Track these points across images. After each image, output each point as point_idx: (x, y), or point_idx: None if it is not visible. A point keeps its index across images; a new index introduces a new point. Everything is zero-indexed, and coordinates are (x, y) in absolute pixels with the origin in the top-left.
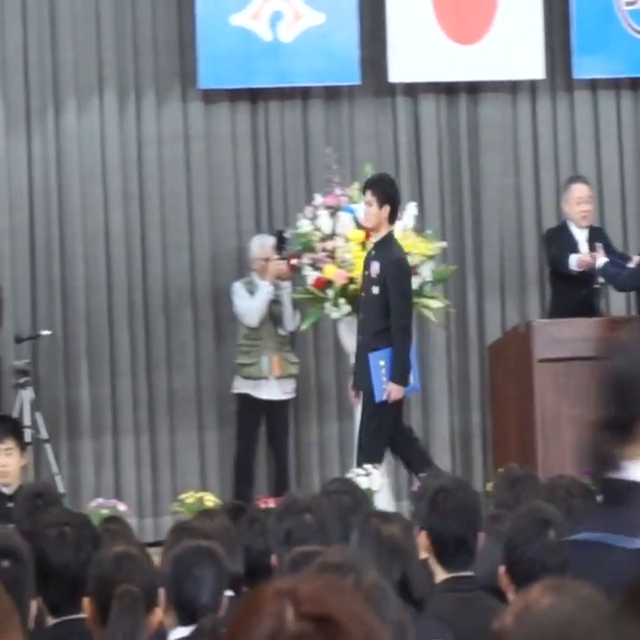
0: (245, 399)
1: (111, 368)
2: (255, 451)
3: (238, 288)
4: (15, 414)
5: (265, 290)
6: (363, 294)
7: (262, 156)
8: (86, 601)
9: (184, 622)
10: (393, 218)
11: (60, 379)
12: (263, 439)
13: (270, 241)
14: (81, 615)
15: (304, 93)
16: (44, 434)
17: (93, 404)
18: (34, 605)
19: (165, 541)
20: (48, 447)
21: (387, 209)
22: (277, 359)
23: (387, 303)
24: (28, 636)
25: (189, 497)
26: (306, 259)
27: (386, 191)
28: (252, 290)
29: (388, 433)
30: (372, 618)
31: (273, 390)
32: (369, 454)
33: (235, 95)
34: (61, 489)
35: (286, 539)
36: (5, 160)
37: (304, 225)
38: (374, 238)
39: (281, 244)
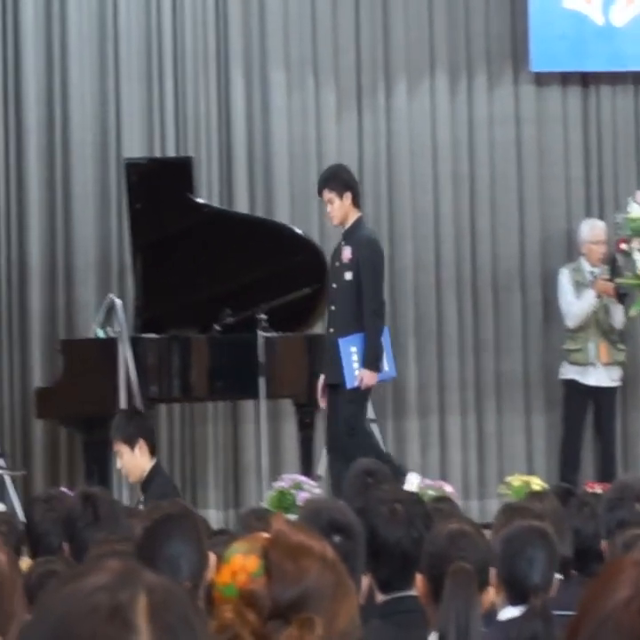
0: (572, 385)
1: (438, 347)
2: (582, 436)
3: (564, 281)
4: None
5: (589, 298)
6: (333, 285)
7: (593, 140)
8: (419, 578)
9: (514, 602)
10: (357, 202)
11: None
12: (590, 425)
13: (600, 225)
14: (411, 592)
15: (636, 78)
16: (371, 413)
17: (420, 384)
18: (365, 582)
19: (495, 522)
20: (375, 427)
21: (348, 196)
22: (605, 346)
23: (359, 288)
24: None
25: (516, 480)
26: (636, 243)
27: (341, 181)
28: (578, 278)
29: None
30: None
31: (600, 377)
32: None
33: (566, 78)
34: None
35: (618, 527)
36: (336, 136)
37: (634, 210)
38: (344, 228)
39: (614, 270)
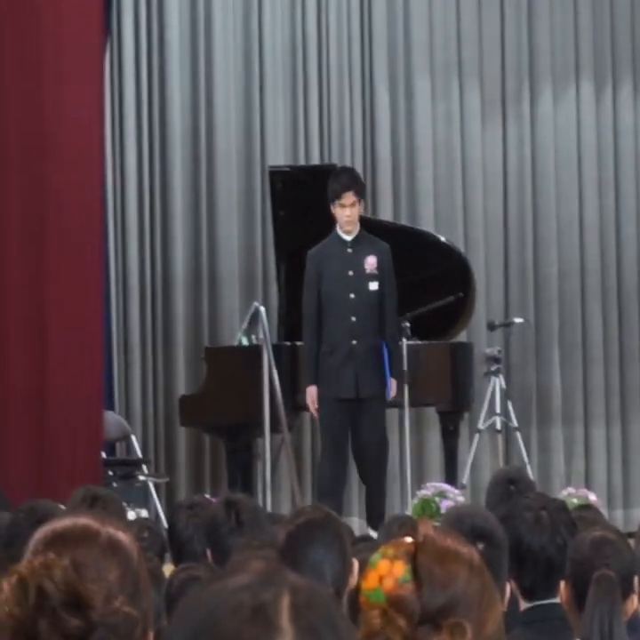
0: None
1: (583, 355)
2: None
3: None
4: (486, 401)
5: None
6: (352, 296)
7: None
8: (563, 585)
9: None
10: None
11: (532, 366)
12: None
13: None
14: (555, 600)
15: None
16: (514, 422)
17: (565, 392)
18: (508, 589)
19: (639, 530)
20: (518, 435)
21: (362, 204)
22: None
23: (382, 297)
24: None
25: None
26: None
27: (363, 186)
28: None
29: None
30: None
31: None
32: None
33: None
34: (531, 476)
35: None
36: (481, 142)
37: None
38: (352, 234)
39: None
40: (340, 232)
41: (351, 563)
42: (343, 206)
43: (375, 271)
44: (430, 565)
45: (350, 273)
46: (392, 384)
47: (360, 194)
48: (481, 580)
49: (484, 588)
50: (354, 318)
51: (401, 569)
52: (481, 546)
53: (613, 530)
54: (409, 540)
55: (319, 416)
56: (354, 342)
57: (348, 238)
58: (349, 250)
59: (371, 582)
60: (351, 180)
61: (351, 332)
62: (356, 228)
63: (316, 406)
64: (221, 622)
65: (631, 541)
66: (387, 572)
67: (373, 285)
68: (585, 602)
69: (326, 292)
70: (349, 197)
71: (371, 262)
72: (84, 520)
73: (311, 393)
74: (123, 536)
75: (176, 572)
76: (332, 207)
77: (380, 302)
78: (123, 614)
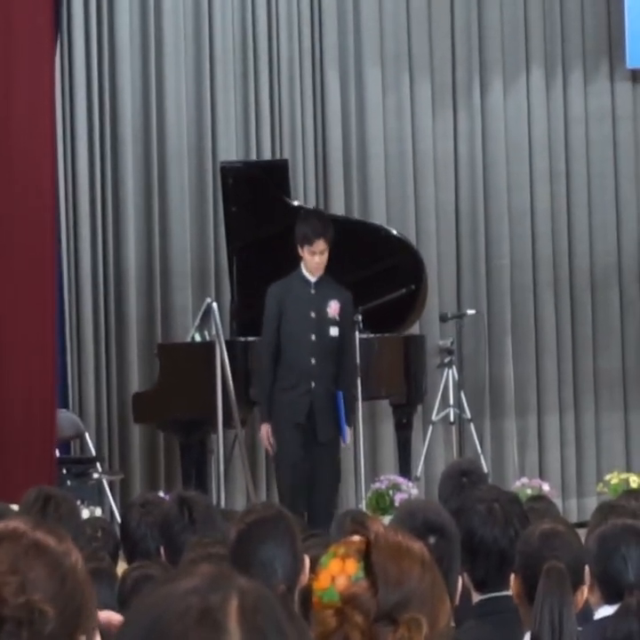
0: None
1: (536, 346)
2: None
3: None
4: (439, 393)
5: None
6: (313, 337)
7: None
8: (513, 577)
9: (609, 600)
10: None
11: (485, 357)
12: None
13: None
14: (507, 592)
15: None
16: (467, 413)
17: (518, 383)
18: (459, 581)
19: (591, 520)
20: (472, 426)
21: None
22: None
23: (341, 345)
24: (454, 612)
25: (614, 478)
26: None
27: (332, 230)
28: None
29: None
30: None
31: None
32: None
33: None
34: (485, 468)
35: None
36: (431, 133)
37: None
38: (316, 277)
39: None
40: (304, 271)
41: (303, 560)
42: (313, 254)
43: (337, 317)
44: (384, 563)
45: (312, 314)
46: (348, 431)
47: (330, 240)
48: (432, 575)
49: (435, 583)
50: (313, 360)
51: (353, 567)
52: (433, 539)
53: (562, 521)
54: (358, 538)
55: (274, 452)
56: (312, 384)
57: (313, 279)
58: (313, 291)
59: (323, 582)
60: (323, 228)
61: (310, 373)
62: (320, 271)
63: (271, 442)
64: (170, 625)
65: (585, 531)
66: (339, 571)
67: (334, 331)
68: (535, 594)
69: (287, 331)
70: (320, 245)
71: (334, 307)
72: (16, 523)
73: (265, 430)
74: (53, 541)
75: (129, 571)
76: (299, 249)
77: (338, 349)
78: (37, 610)
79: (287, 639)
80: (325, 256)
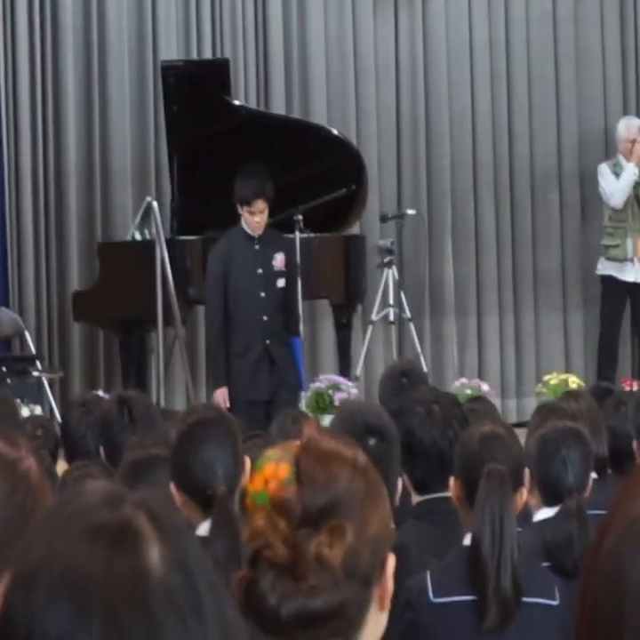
0: (610, 281)
1: (476, 247)
2: (619, 333)
3: (604, 169)
4: (379, 293)
5: (631, 171)
6: (262, 294)
7: (630, 39)
8: (453, 480)
9: (549, 503)
10: None
11: (425, 257)
12: (628, 321)
13: (637, 123)
14: (446, 493)
15: None
16: (407, 313)
17: (458, 283)
18: (400, 483)
19: (530, 422)
20: (411, 326)
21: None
22: None
23: (288, 295)
24: (393, 513)
25: (553, 378)
26: None
27: (271, 188)
28: (617, 171)
29: None
30: None
31: (638, 273)
32: None
33: None
34: (425, 368)
35: None
36: (372, 34)
37: None
38: (258, 231)
39: None
40: (246, 229)
41: (243, 461)
42: (253, 214)
43: (283, 268)
44: (311, 466)
45: (259, 271)
46: (304, 379)
47: (269, 198)
48: (365, 481)
49: (368, 489)
50: (266, 317)
51: (285, 471)
52: (373, 441)
53: (502, 424)
54: (297, 442)
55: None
56: (268, 342)
57: (255, 235)
58: (257, 246)
59: (256, 485)
60: (261, 187)
61: (264, 331)
62: (262, 227)
63: (228, 407)
64: (82, 553)
65: (524, 431)
66: (271, 475)
67: (281, 282)
68: (475, 497)
69: (235, 291)
70: (260, 205)
71: (279, 259)
72: None
73: (221, 394)
74: (6, 447)
75: (70, 470)
76: (239, 208)
77: (286, 298)
78: None
79: (192, 538)
80: (265, 215)
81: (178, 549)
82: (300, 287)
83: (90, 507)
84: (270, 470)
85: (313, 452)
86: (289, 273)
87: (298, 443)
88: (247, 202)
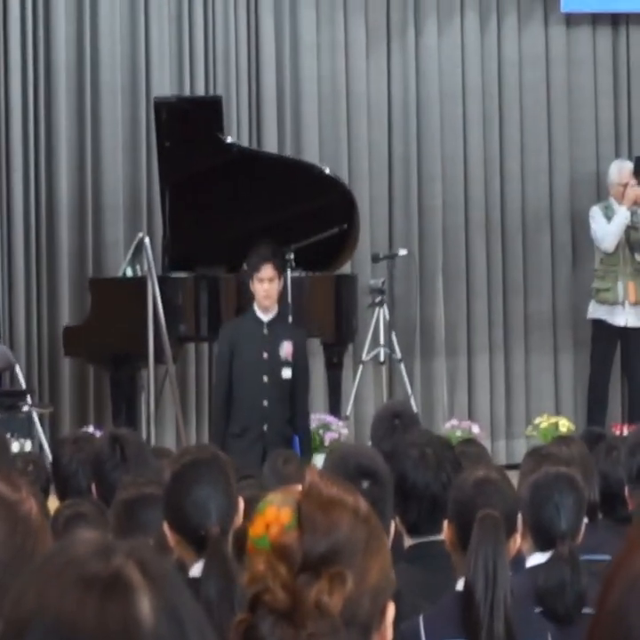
0: (601, 325)
1: (467, 287)
2: (609, 376)
3: (596, 212)
4: (370, 333)
5: (622, 215)
6: (265, 379)
7: (622, 81)
8: (446, 524)
9: (541, 548)
10: None
11: (415, 298)
12: (618, 365)
13: (629, 166)
14: (439, 537)
15: None
16: (397, 353)
17: (448, 324)
18: (392, 526)
19: (522, 467)
20: (402, 366)
21: (282, 278)
22: (633, 285)
23: (294, 387)
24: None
25: (544, 421)
26: None
27: (283, 259)
28: (609, 214)
29: None
30: None
31: (629, 317)
32: None
33: (596, 19)
34: (415, 408)
35: (638, 474)
36: (365, 73)
37: None
38: (269, 315)
39: (639, 169)
40: (256, 310)
41: (237, 501)
42: (261, 281)
43: (289, 359)
44: (313, 512)
45: (265, 356)
46: None
47: (280, 269)
48: (367, 528)
49: (369, 537)
50: (266, 402)
51: (287, 516)
52: (366, 484)
53: (495, 468)
54: (299, 487)
55: None
56: (265, 427)
57: (265, 319)
58: (265, 331)
59: (257, 529)
60: (270, 253)
61: (263, 416)
62: (274, 309)
63: None
64: (74, 604)
65: (514, 473)
66: (273, 519)
67: (286, 373)
68: (468, 541)
69: (239, 371)
70: (268, 271)
71: (287, 349)
72: None
73: None
74: (7, 489)
75: (61, 508)
76: (250, 283)
77: (292, 391)
78: None
79: (182, 585)
80: (274, 286)
81: (168, 598)
82: (307, 384)
83: (81, 557)
84: (272, 515)
85: (315, 498)
86: (296, 365)
87: (300, 488)
88: (255, 268)
